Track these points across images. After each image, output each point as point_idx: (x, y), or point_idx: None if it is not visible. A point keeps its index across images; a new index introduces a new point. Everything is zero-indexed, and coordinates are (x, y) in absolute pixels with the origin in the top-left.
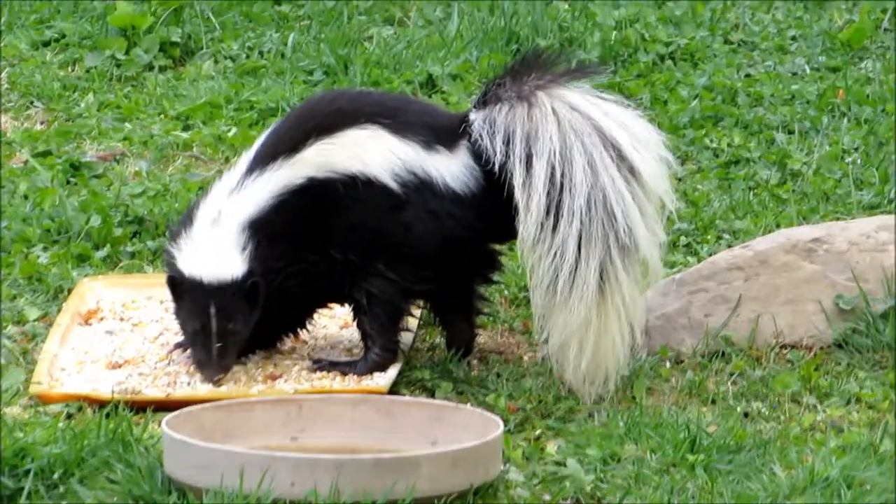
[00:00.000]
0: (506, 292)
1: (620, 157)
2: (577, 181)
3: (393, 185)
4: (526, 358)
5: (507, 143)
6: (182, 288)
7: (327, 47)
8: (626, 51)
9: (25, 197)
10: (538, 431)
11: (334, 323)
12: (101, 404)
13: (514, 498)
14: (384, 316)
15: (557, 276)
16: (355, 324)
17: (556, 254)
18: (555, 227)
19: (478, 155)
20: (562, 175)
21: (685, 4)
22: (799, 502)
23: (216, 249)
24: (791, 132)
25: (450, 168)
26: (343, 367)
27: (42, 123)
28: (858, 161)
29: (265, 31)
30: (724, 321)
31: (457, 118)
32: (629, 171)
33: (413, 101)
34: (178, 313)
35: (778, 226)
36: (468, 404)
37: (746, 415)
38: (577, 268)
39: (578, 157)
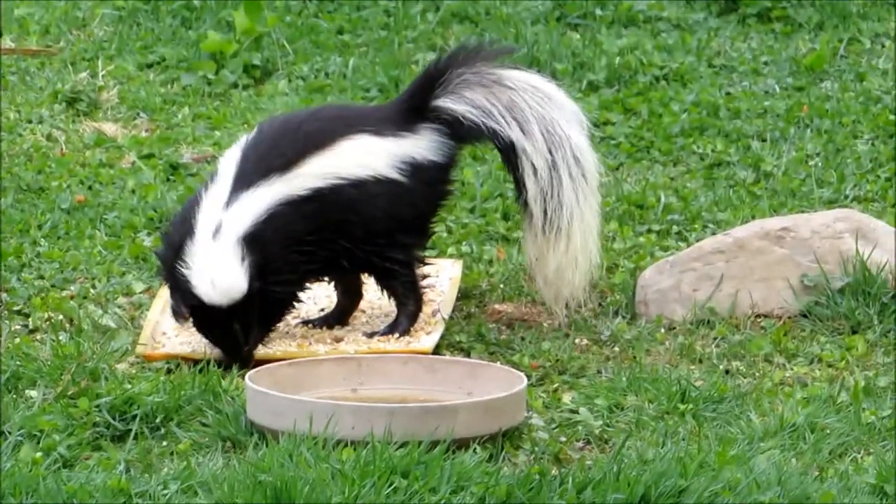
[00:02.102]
0: (529, 270)
1: (571, 116)
2: (561, 137)
3: (396, 176)
4: (545, 325)
5: (496, 116)
6: (194, 305)
7: (381, 69)
8: (628, 73)
9: (133, 191)
10: (555, 385)
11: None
12: (195, 362)
13: (536, 439)
14: (411, 274)
15: (558, 213)
16: (384, 290)
17: (557, 195)
18: (552, 177)
19: (445, 132)
20: (549, 133)
21: (676, 34)
22: (771, 444)
23: (222, 268)
24: (764, 140)
25: (422, 145)
26: (388, 331)
27: (146, 131)
28: (819, 164)
29: (330, 56)
30: (709, 295)
31: (396, 108)
32: (578, 125)
33: (357, 106)
34: (200, 328)
35: (753, 217)
36: (498, 363)
37: (727, 372)
38: (573, 204)
39: (556, 117)
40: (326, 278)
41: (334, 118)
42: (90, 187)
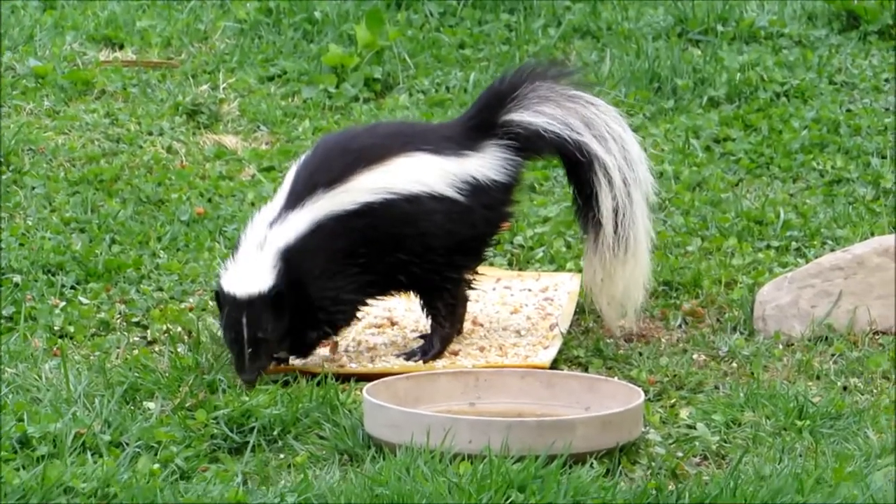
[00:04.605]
0: (647, 286)
1: (633, 137)
2: (632, 155)
3: (454, 194)
4: (663, 340)
5: (578, 129)
6: (222, 301)
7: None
8: (748, 89)
9: (252, 204)
10: (673, 400)
11: (505, 310)
12: (313, 375)
13: (653, 455)
14: (456, 296)
15: (630, 232)
16: (425, 308)
17: (631, 213)
18: (628, 193)
19: (514, 147)
20: (623, 150)
21: (797, 51)
22: (888, 461)
23: (251, 270)
24: (884, 157)
25: (485, 164)
26: (419, 353)
27: (266, 144)
28: None
29: (451, 70)
30: (827, 311)
31: (460, 125)
32: (639, 147)
33: (419, 124)
34: (220, 323)
35: (872, 234)
36: (615, 377)
37: (845, 388)
38: (642, 223)
39: (625, 137)
40: (389, 295)
41: (391, 135)
42: (210, 200)
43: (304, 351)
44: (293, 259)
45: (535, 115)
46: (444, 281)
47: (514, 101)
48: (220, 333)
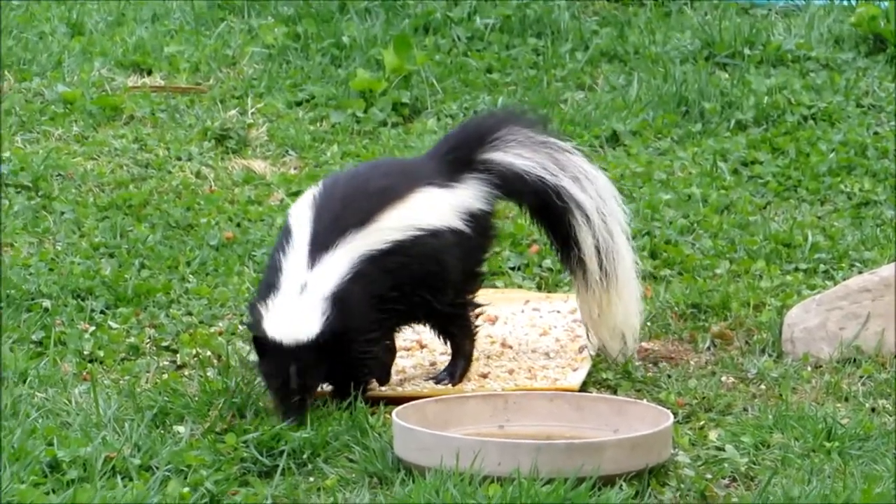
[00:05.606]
0: (675, 308)
1: (598, 169)
2: (603, 191)
3: (461, 226)
4: (692, 363)
5: (558, 174)
6: (265, 348)
7: (530, 108)
8: (776, 112)
9: (281, 229)
10: (702, 422)
11: (534, 332)
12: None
13: (682, 476)
14: (467, 318)
15: (615, 266)
16: (442, 335)
17: (612, 248)
18: (608, 230)
19: (492, 182)
20: (597, 189)
21: (824, 74)
22: None
23: (299, 316)
24: None
25: (472, 195)
26: (448, 376)
27: (295, 169)
28: None
29: (479, 95)
30: (856, 333)
31: (439, 160)
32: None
33: (409, 160)
34: (262, 368)
35: None
36: (644, 400)
37: (873, 410)
38: (626, 253)
39: (596, 174)
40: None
41: (397, 173)
42: (239, 224)
43: (343, 395)
44: (338, 304)
45: (516, 157)
46: (457, 308)
47: (493, 141)
48: (259, 379)
